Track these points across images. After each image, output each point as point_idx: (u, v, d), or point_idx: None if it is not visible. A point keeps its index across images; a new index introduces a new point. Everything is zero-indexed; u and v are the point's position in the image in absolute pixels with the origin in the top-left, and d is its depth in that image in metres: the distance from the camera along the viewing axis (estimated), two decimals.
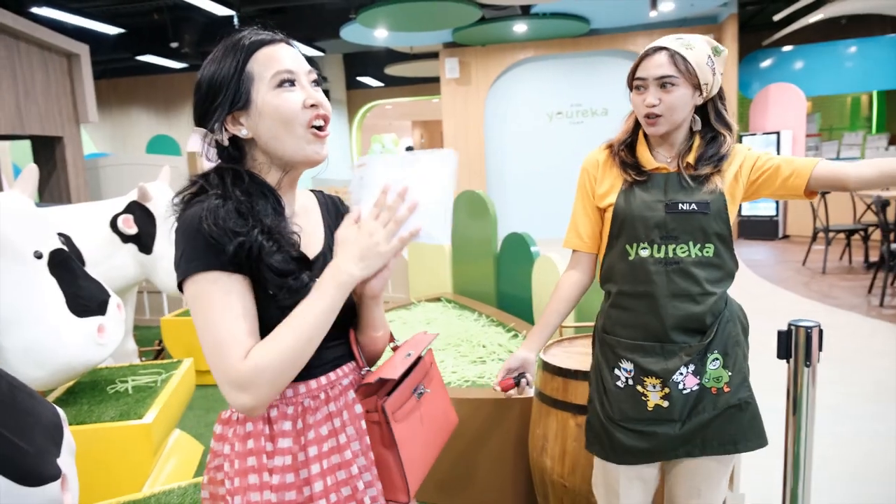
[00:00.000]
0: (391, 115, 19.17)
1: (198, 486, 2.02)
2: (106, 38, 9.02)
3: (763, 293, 5.68)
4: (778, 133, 8.53)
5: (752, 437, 1.44)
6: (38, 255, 2.37)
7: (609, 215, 1.48)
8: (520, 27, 8.87)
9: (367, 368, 1.12)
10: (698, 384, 1.42)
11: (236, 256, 0.91)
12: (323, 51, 10.52)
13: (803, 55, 9.57)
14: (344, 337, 1.09)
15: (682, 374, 1.41)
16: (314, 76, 1.04)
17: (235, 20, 7.54)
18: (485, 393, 2.32)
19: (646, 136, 1.49)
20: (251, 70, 0.98)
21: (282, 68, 0.99)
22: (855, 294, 5.47)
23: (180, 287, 0.94)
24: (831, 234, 6.46)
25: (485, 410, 2.27)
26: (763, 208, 8.81)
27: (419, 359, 1.19)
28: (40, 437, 1.25)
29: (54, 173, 5.76)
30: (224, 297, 0.92)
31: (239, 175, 0.99)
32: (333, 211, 1.18)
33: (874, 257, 6.50)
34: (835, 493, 2.42)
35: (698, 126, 1.45)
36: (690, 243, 1.41)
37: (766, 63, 9.77)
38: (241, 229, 0.92)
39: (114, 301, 2.60)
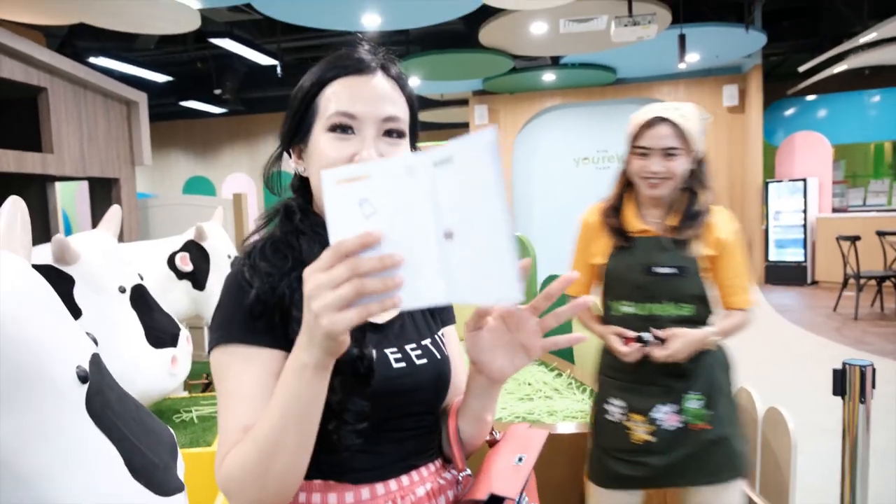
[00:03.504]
0: None
1: None
2: (152, 84, 9.49)
3: (795, 338, 5.70)
4: (804, 180, 8.63)
5: (726, 469, 1.59)
6: (122, 290, 2.55)
7: (601, 273, 1.67)
8: (548, 76, 9.17)
9: (467, 472, 0.88)
10: (680, 422, 1.58)
11: (262, 306, 0.77)
12: None
13: (827, 104, 9.73)
14: (426, 425, 0.87)
15: (662, 412, 1.58)
16: (392, 125, 0.82)
17: (279, 70, 7.92)
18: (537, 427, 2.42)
19: (635, 196, 1.67)
20: (318, 102, 0.83)
21: (341, 109, 0.80)
22: (889, 340, 5.47)
23: None
24: (862, 281, 6.48)
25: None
26: (791, 254, 8.85)
27: None
28: (164, 452, 1.39)
29: None
30: (236, 377, 0.77)
31: (290, 210, 0.86)
32: None
33: None
34: None
35: (683, 185, 1.62)
36: (668, 303, 1.57)
37: (790, 111, 9.94)
38: (272, 270, 0.79)
39: (184, 334, 2.77)
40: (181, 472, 1.45)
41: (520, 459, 0.85)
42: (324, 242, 0.79)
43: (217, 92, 9.39)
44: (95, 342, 1.36)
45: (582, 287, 1.75)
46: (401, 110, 0.85)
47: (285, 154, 0.91)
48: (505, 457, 0.86)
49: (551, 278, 3.74)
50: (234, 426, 0.75)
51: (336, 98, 0.82)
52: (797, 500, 1.91)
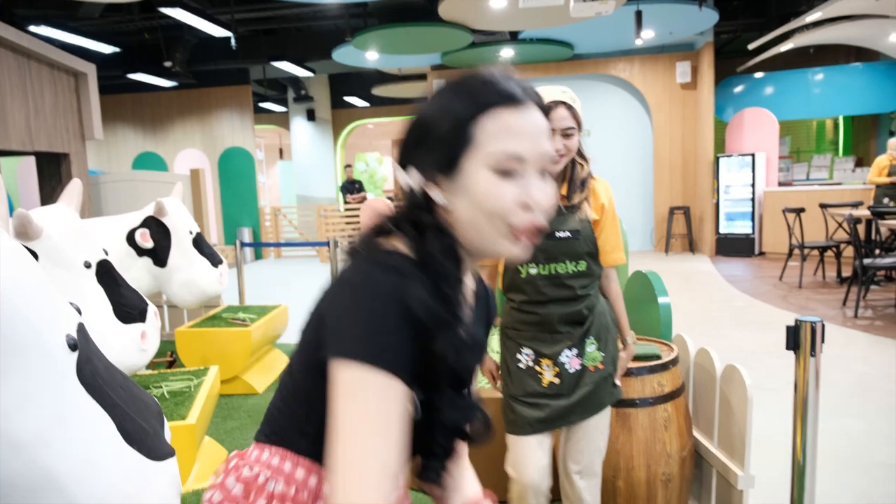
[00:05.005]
0: (372, 134, 19.39)
1: None
2: (97, 55, 9.10)
3: (745, 306, 5.98)
4: (753, 155, 8.94)
5: (608, 400, 1.88)
6: (88, 265, 2.50)
7: None
8: (507, 51, 9.19)
9: None
10: (581, 364, 1.82)
11: (424, 344, 0.72)
12: (313, 71, 10.73)
13: (774, 81, 10.06)
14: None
15: (567, 356, 1.82)
16: (549, 165, 0.81)
17: (233, 42, 7.70)
18: None
19: None
20: (473, 132, 0.76)
21: (511, 151, 0.76)
22: (830, 307, 5.79)
23: (326, 361, 0.73)
24: (806, 251, 6.81)
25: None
26: (740, 226, 9.19)
27: None
28: (152, 419, 1.40)
29: (58, 189, 5.88)
30: (384, 409, 0.70)
31: (444, 235, 0.79)
32: (483, 305, 0.96)
33: (846, 272, 6.87)
34: (823, 479, 2.64)
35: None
36: (567, 261, 1.81)
37: (739, 88, 10.24)
38: (449, 318, 0.74)
39: (151, 309, 2.74)
40: (168, 439, 1.47)
41: None
42: (461, 301, 0.80)
43: (167, 64, 9.07)
44: (79, 311, 1.36)
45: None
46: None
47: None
48: None
49: None
50: (382, 468, 0.68)
51: (503, 134, 0.76)
52: (752, 451, 2.05)
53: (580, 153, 1.86)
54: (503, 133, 0.76)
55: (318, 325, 0.79)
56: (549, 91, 1.76)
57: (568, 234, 1.80)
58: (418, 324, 0.72)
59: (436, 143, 0.78)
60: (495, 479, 1.84)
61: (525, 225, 0.78)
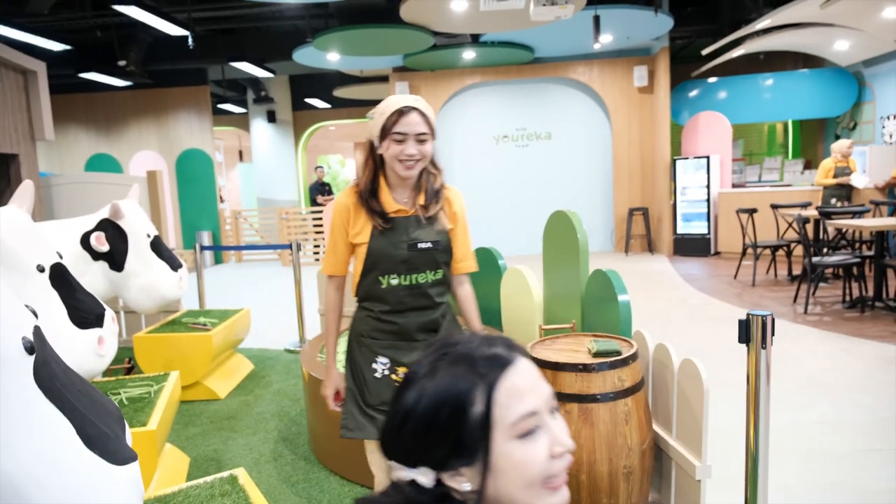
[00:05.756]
0: (334, 136, 19.24)
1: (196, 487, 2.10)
2: (47, 53, 8.80)
3: (701, 304, 6.15)
4: (707, 157, 9.20)
5: None
6: (41, 269, 2.43)
7: (363, 251, 1.84)
8: (468, 54, 9.25)
9: None
10: None
11: None
12: (273, 72, 10.59)
13: (727, 86, 10.37)
14: None
15: None
16: (555, 402, 0.79)
17: (190, 41, 7.55)
18: None
19: (386, 180, 1.85)
20: (492, 414, 0.73)
21: (528, 409, 0.74)
22: (781, 303, 6.00)
23: None
24: (759, 250, 7.05)
25: None
26: (696, 227, 9.44)
27: None
28: (113, 423, 1.38)
29: (7, 191, 5.68)
30: None
31: None
32: None
33: (797, 270, 7.13)
34: (776, 468, 2.75)
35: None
36: (427, 271, 1.85)
37: (693, 93, 10.52)
38: None
39: (109, 314, 2.68)
40: (130, 443, 1.44)
41: None
42: None
43: (121, 63, 8.83)
44: (35, 314, 1.32)
45: (342, 265, 1.92)
46: None
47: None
48: None
49: (481, 250, 3.86)
50: None
51: (514, 398, 0.74)
52: (709, 442, 2.12)
53: (434, 163, 1.86)
54: (514, 399, 0.74)
55: None
56: (401, 98, 1.75)
57: (429, 244, 1.82)
58: None
59: (452, 439, 0.73)
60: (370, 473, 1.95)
61: (562, 471, 0.77)
